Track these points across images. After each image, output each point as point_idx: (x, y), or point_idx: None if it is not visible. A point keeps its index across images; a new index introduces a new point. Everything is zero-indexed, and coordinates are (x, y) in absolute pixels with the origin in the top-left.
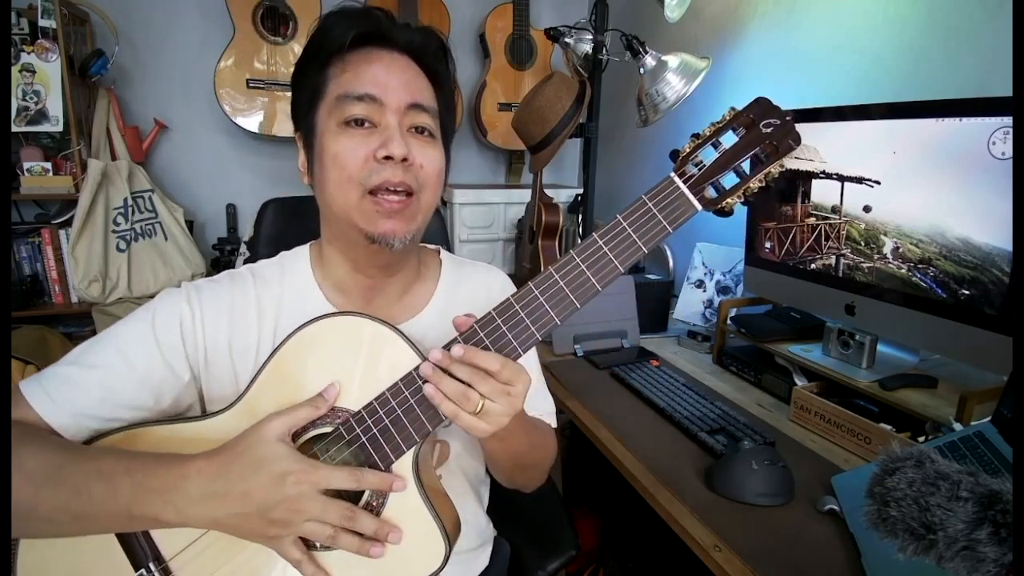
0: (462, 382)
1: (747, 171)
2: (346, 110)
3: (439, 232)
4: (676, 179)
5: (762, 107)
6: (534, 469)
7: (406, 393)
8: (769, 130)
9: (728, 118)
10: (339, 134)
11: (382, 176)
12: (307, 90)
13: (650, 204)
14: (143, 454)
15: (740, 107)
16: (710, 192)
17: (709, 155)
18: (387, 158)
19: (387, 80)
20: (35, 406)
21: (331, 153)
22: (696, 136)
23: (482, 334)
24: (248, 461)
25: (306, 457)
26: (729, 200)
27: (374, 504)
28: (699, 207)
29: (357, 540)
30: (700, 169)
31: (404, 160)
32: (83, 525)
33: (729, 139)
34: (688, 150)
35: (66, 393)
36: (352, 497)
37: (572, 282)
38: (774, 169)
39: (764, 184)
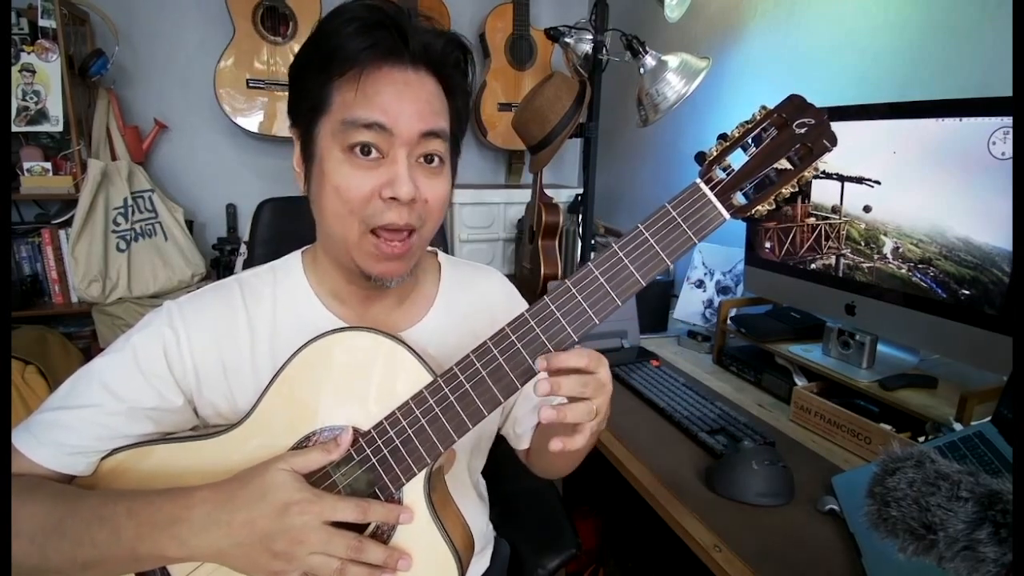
0: (578, 399)
1: (779, 175)
2: (351, 136)
3: (438, 233)
4: (702, 186)
5: (795, 105)
6: None
7: (417, 412)
8: (803, 131)
9: (759, 118)
10: (343, 162)
11: (386, 218)
12: (307, 99)
13: (674, 213)
14: (143, 492)
15: (771, 105)
16: (739, 199)
17: (738, 158)
18: (393, 198)
19: (399, 106)
20: (27, 453)
21: (333, 183)
22: (723, 137)
23: (496, 351)
24: (253, 490)
25: (312, 487)
26: (760, 207)
27: (383, 530)
28: (727, 216)
29: (366, 571)
30: (728, 174)
31: (411, 200)
32: (94, 573)
33: (759, 141)
34: (716, 153)
35: (56, 435)
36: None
37: (590, 296)
38: (808, 173)
39: (797, 189)
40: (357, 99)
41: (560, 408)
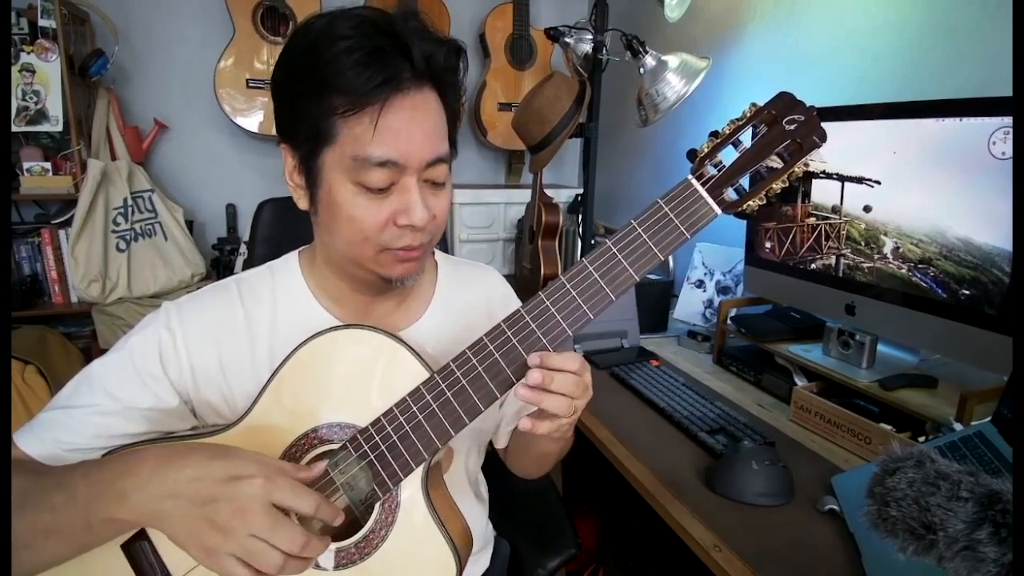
0: (555, 392)
1: (769, 171)
2: (365, 176)
3: None
4: (694, 182)
5: (785, 102)
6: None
7: (414, 409)
8: (793, 127)
9: (749, 115)
10: (355, 194)
11: (403, 242)
12: (305, 124)
13: (666, 208)
14: (107, 458)
15: (761, 103)
16: (730, 194)
17: (729, 155)
18: (408, 225)
19: (409, 136)
20: (26, 449)
21: (347, 214)
22: (715, 134)
23: (492, 347)
24: (208, 451)
25: (273, 464)
26: (751, 203)
27: (381, 526)
28: (718, 211)
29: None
30: (719, 170)
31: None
32: (56, 545)
33: (750, 137)
34: (707, 150)
35: (56, 434)
36: (358, 518)
37: (584, 292)
38: (798, 168)
39: (787, 184)
40: (364, 130)
41: (540, 394)
